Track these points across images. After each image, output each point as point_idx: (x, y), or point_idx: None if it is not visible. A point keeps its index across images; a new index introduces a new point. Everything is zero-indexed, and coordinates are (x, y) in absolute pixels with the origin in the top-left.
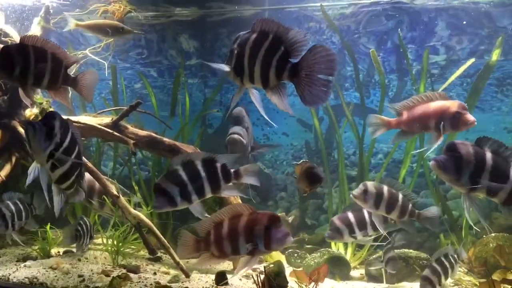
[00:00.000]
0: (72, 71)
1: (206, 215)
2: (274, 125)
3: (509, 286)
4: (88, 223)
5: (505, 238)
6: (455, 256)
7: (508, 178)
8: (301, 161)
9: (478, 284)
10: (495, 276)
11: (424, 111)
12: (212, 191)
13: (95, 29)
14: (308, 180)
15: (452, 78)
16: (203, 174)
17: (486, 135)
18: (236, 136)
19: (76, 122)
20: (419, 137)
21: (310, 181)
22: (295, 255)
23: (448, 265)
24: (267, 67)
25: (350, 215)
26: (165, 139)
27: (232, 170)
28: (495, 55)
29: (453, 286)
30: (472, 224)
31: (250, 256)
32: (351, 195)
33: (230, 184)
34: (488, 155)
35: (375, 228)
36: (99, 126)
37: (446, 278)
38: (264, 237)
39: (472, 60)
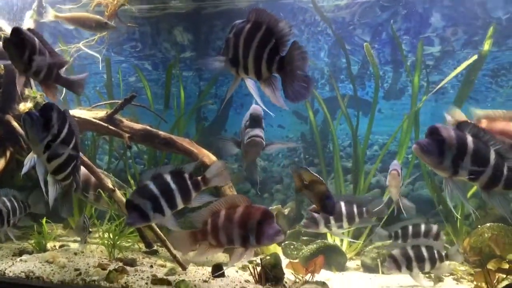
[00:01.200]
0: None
1: (180, 230)
2: (271, 114)
3: (504, 275)
4: (87, 217)
5: (500, 228)
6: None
7: (489, 162)
8: (300, 168)
9: (473, 274)
10: (490, 266)
11: (504, 128)
12: (184, 202)
13: (75, 22)
14: (322, 208)
15: (453, 74)
16: (173, 186)
17: (466, 120)
18: (258, 139)
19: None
20: (414, 128)
21: (324, 209)
22: (292, 246)
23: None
24: (260, 58)
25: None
26: (160, 132)
27: (199, 178)
28: (486, 45)
29: (448, 276)
30: (452, 208)
31: (244, 249)
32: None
33: (200, 191)
34: (469, 139)
35: (350, 222)
36: (94, 120)
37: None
38: (256, 231)
39: (475, 56)
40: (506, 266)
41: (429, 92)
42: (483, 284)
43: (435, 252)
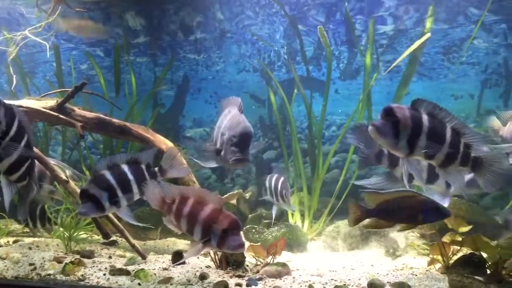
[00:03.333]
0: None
1: (135, 222)
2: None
3: (458, 247)
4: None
5: (453, 202)
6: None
7: (445, 140)
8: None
9: (428, 248)
10: (445, 239)
11: None
12: (141, 193)
13: None
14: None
15: (406, 53)
16: (130, 177)
17: (420, 98)
18: (246, 163)
19: (19, 106)
20: (367, 108)
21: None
22: (253, 230)
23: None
24: None
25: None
26: (114, 120)
27: (156, 169)
28: (428, 23)
29: (405, 250)
30: (407, 186)
31: (202, 245)
32: None
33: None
34: (425, 117)
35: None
36: (43, 110)
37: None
38: (219, 238)
39: (428, 35)
40: (460, 239)
41: (379, 71)
42: (439, 257)
43: None
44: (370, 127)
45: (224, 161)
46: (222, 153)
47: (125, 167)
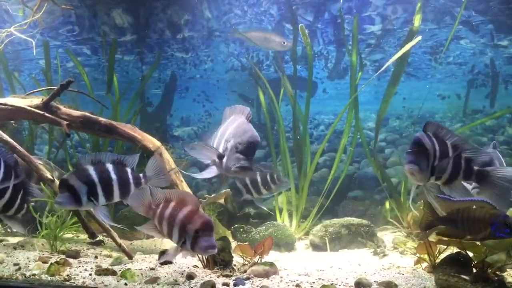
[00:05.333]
0: None
1: (111, 222)
2: None
3: (445, 247)
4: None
5: (439, 202)
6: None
7: (449, 159)
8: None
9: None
10: (432, 238)
11: None
12: (121, 195)
13: None
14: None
15: (397, 55)
16: (113, 176)
17: (429, 120)
18: (251, 173)
19: (4, 104)
20: (354, 109)
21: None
22: (241, 229)
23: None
24: None
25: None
26: (100, 118)
27: (141, 175)
28: (416, 21)
29: (392, 250)
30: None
31: (179, 248)
32: None
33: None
34: (434, 140)
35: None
36: (29, 108)
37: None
38: (192, 238)
39: (419, 38)
40: (446, 238)
41: (363, 70)
42: (426, 256)
43: None
44: (408, 167)
45: (226, 168)
46: (224, 159)
47: (109, 166)
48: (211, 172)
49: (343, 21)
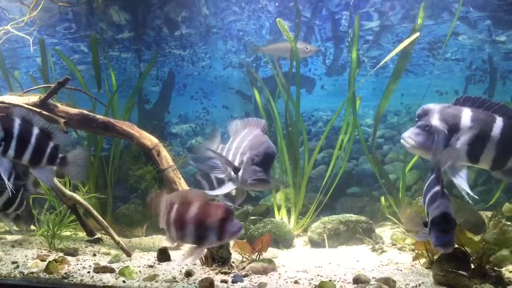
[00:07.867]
0: None
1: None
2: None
3: None
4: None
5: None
6: None
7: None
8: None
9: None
10: None
11: None
12: (30, 161)
13: None
14: None
15: (395, 51)
16: (33, 140)
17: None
18: (268, 185)
19: (1, 102)
20: (351, 106)
21: None
22: None
23: None
24: None
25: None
26: (98, 116)
27: (60, 155)
28: (420, 19)
29: (390, 246)
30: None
31: (199, 247)
32: None
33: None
34: None
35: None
36: (26, 106)
37: None
38: (218, 228)
39: (417, 34)
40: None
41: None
42: (424, 252)
43: None
44: None
45: (242, 181)
46: (240, 172)
47: (35, 129)
48: (227, 187)
49: (351, 18)
